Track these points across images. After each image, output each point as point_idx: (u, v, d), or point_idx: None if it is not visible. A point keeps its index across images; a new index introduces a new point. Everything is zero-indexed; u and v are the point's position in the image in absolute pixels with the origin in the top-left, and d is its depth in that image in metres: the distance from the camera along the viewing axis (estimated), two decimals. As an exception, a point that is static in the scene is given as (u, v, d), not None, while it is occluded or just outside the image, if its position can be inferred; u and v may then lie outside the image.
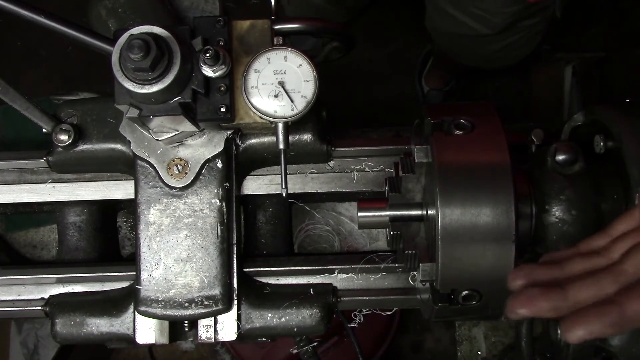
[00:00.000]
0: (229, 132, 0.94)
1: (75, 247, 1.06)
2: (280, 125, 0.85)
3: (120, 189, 1.03)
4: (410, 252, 0.87)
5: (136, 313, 0.95)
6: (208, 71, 0.81)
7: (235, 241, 0.97)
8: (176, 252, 0.93)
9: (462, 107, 0.86)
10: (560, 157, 0.88)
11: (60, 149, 0.97)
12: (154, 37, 0.77)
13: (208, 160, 0.94)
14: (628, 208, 0.87)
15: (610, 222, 0.68)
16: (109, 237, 1.11)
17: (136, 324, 0.96)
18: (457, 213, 0.77)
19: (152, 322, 0.96)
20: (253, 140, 0.98)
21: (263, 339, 1.00)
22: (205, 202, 0.94)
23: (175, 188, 0.93)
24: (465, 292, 0.81)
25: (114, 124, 0.96)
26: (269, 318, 0.97)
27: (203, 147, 0.93)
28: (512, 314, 0.62)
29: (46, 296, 1.01)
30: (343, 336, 1.92)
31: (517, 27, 1.59)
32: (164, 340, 0.96)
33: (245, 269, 1.00)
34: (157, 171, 0.93)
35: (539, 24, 1.60)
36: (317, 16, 2.20)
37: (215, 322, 0.96)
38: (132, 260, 0.97)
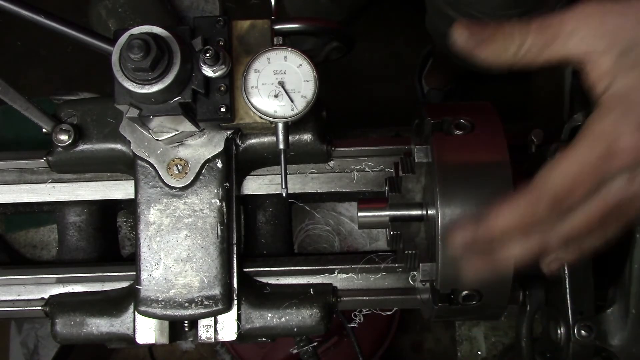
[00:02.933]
0: (229, 132, 0.94)
1: (75, 247, 1.06)
2: (280, 125, 0.85)
3: (120, 189, 1.03)
4: (410, 252, 0.87)
5: (136, 313, 0.95)
6: (208, 71, 0.81)
7: (235, 241, 0.97)
8: (176, 252, 0.93)
9: (462, 107, 0.86)
10: (560, 157, 0.88)
11: (60, 149, 0.97)
12: (154, 37, 0.77)
13: (208, 160, 0.94)
14: None
15: None
16: (109, 237, 1.11)
17: (136, 324, 0.96)
18: (457, 213, 0.77)
19: (152, 322, 0.96)
20: (253, 140, 0.98)
21: (263, 339, 1.00)
22: (205, 202, 0.94)
23: (175, 188, 0.93)
24: (465, 292, 0.81)
25: (114, 124, 0.96)
26: (269, 318, 0.97)
27: (203, 147, 0.93)
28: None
29: (46, 296, 1.01)
30: (343, 336, 1.92)
31: None
32: (164, 340, 0.96)
33: (245, 269, 1.00)
34: (157, 171, 0.93)
35: None
36: (317, 12, 2.20)
37: (215, 322, 0.96)
38: (132, 260, 0.97)
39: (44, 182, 1.03)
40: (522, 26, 0.64)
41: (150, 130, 0.91)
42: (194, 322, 0.96)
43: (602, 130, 0.61)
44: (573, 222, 0.64)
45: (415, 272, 0.98)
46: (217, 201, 0.94)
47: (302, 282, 1.01)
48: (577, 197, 0.62)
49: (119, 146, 0.97)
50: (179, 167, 0.93)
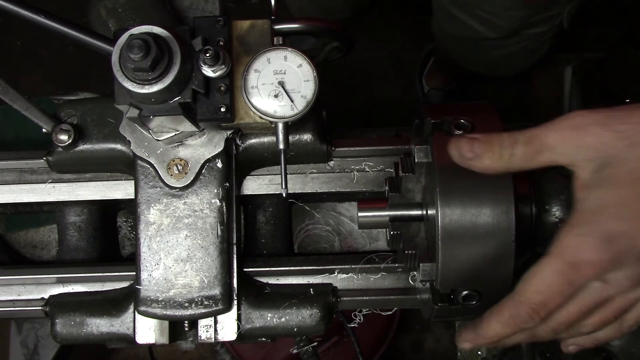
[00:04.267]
0: (229, 132, 0.94)
1: (75, 247, 1.06)
2: (280, 125, 0.85)
3: (120, 189, 1.03)
4: (410, 252, 0.87)
5: (136, 313, 0.95)
6: (208, 71, 0.81)
7: (235, 241, 0.97)
8: (176, 252, 0.93)
9: (462, 107, 0.86)
10: (560, 157, 0.88)
11: (60, 149, 0.97)
12: (154, 37, 0.77)
13: (208, 160, 0.94)
14: None
15: None
16: (109, 237, 1.11)
17: (136, 324, 0.96)
18: (457, 213, 0.77)
19: (152, 322, 0.96)
20: (253, 140, 0.98)
21: (263, 339, 1.00)
22: (205, 202, 0.94)
23: (175, 188, 0.93)
24: (465, 292, 0.81)
25: (114, 124, 0.96)
26: (269, 318, 0.97)
27: (203, 147, 0.93)
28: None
29: (46, 296, 1.01)
30: (343, 336, 1.93)
31: (522, 34, 1.57)
32: (164, 340, 0.96)
33: (245, 269, 1.00)
34: (157, 171, 0.93)
35: (545, 33, 1.58)
36: (322, 9, 2.20)
37: (215, 322, 0.96)
38: (132, 260, 0.97)
39: (44, 182, 1.03)
40: (511, 138, 0.70)
41: (150, 130, 0.91)
42: (194, 322, 0.96)
43: (567, 244, 0.67)
44: (556, 321, 0.71)
45: (415, 272, 0.98)
46: (217, 201, 0.94)
47: (302, 282, 1.01)
48: (552, 307, 0.69)
49: (119, 146, 0.97)
50: (179, 167, 0.93)
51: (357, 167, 1.03)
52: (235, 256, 0.96)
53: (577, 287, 0.68)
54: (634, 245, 0.64)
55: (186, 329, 0.97)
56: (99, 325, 0.97)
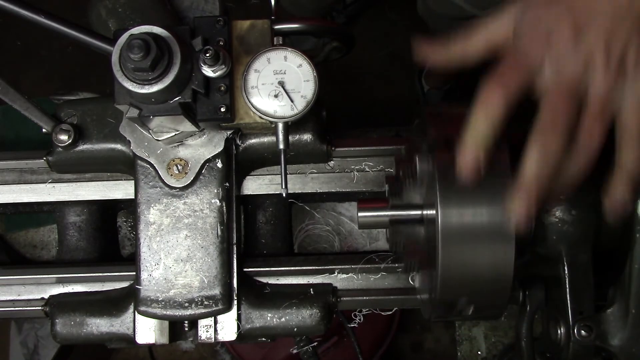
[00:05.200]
0: (229, 132, 0.94)
1: (75, 247, 1.06)
2: (280, 125, 0.85)
3: (120, 189, 1.03)
4: (409, 254, 0.87)
5: (136, 313, 0.95)
6: (208, 71, 0.81)
7: (235, 241, 0.97)
8: (176, 252, 0.93)
9: (464, 114, 0.84)
10: (560, 157, 0.88)
11: (60, 149, 0.97)
12: (154, 37, 0.77)
13: (208, 160, 0.94)
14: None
15: None
16: (109, 237, 1.11)
17: (136, 324, 0.96)
18: (457, 214, 0.77)
19: (152, 322, 0.96)
20: (253, 140, 0.98)
21: (263, 339, 1.00)
22: (205, 202, 0.94)
23: (175, 188, 0.93)
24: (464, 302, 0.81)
25: (114, 124, 0.96)
26: (269, 318, 0.97)
27: (203, 147, 0.93)
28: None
29: (46, 296, 1.01)
30: (343, 336, 1.92)
31: None
32: (164, 340, 0.96)
33: (245, 269, 1.00)
34: (157, 171, 0.93)
35: None
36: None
37: (215, 322, 0.96)
38: (132, 260, 0.97)
39: (44, 182, 1.03)
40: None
41: (150, 130, 0.91)
42: (194, 322, 0.96)
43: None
44: (590, 134, 0.70)
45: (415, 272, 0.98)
46: (217, 201, 0.94)
47: (302, 282, 1.01)
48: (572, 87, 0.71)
49: (119, 146, 0.97)
50: (179, 167, 0.93)
51: (357, 167, 1.03)
52: (235, 256, 0.96)
53: (570, 70, 0.71)
54: None
55: (186, 329, 0.97)
56: (99, 325, 0.97)
